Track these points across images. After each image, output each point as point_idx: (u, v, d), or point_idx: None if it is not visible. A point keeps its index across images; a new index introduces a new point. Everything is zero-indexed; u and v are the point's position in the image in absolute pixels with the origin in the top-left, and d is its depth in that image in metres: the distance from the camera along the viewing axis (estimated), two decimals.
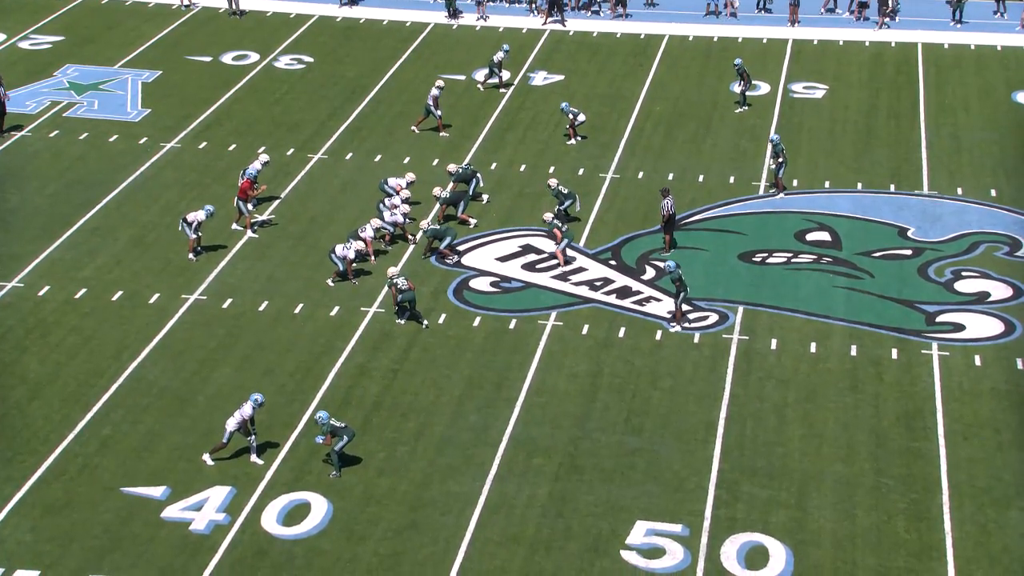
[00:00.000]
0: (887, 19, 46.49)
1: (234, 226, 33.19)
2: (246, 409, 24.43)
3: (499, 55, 41.92)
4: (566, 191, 33.48)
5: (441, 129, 38.53)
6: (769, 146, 35.57)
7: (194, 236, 31.70)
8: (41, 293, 30.81)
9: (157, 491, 24.25)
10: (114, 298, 30.58)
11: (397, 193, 33.29)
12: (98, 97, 41.69)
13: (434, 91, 38.09)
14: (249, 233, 32.76)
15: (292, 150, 37.76)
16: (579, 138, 38.24)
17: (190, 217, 31.64)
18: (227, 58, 44.95)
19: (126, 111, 40.69)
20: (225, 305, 30.27)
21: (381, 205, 32.93)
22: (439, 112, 38.32)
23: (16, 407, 26.76)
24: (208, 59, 44.83)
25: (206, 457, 24.76)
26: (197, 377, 27.69)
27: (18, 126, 39.16)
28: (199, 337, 29.08)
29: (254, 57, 45.01)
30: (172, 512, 23.71)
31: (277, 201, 34.76)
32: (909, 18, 47.09)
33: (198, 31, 47.46)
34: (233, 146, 38.33)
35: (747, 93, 40.18)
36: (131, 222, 33.99)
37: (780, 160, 34.49)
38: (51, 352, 28.58)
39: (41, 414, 26.50)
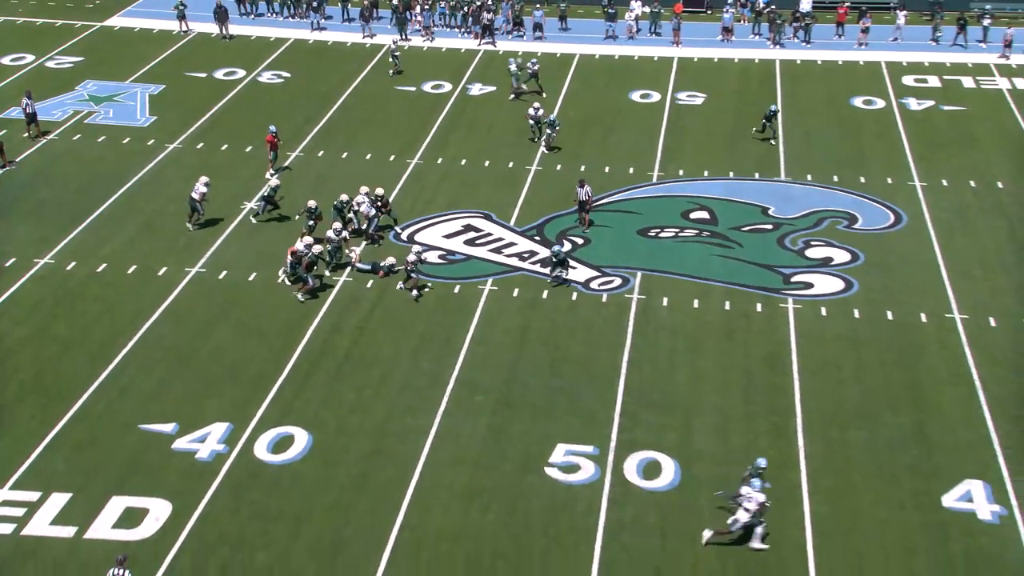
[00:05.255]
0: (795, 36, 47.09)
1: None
2: (757, 496, 20.41)
3: (512, 67, 41.47)
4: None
5: (543, 146, 37.15)
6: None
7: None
8: (68, 268, 30.34)
9: (168, 427, 24.10)
10: (129, 272, 30.16)
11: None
12: (113, 107, 40.98)
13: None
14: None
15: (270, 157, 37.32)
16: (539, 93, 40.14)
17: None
18: (219, 74, 44.26)
19: (136, 118, 40.01)
20: (221, 276, 29.94)
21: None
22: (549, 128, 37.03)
23: (49, 363, 26.41)
24: (203, 75, 44.13)
25: (706, 534, 20.93)
26: (200, 336, 27.40)
27: (45, 132, 38.45)
28: (201, 303, 28.76)
29: (241, 73, 44.37)
30: (180, 444, 23.60)
31: (262, 190, 34.34)
32: (761, 38, 47.54)
33: (195, 52, 46.69)
34: (225, 146, 37.83)
35: (767, 127, 37.74)
36: (141, 210, 33.49)
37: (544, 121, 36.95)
38: (78, 317, 28.18)
39: (70, 368, 26.17)
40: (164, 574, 20.37)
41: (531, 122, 37.40)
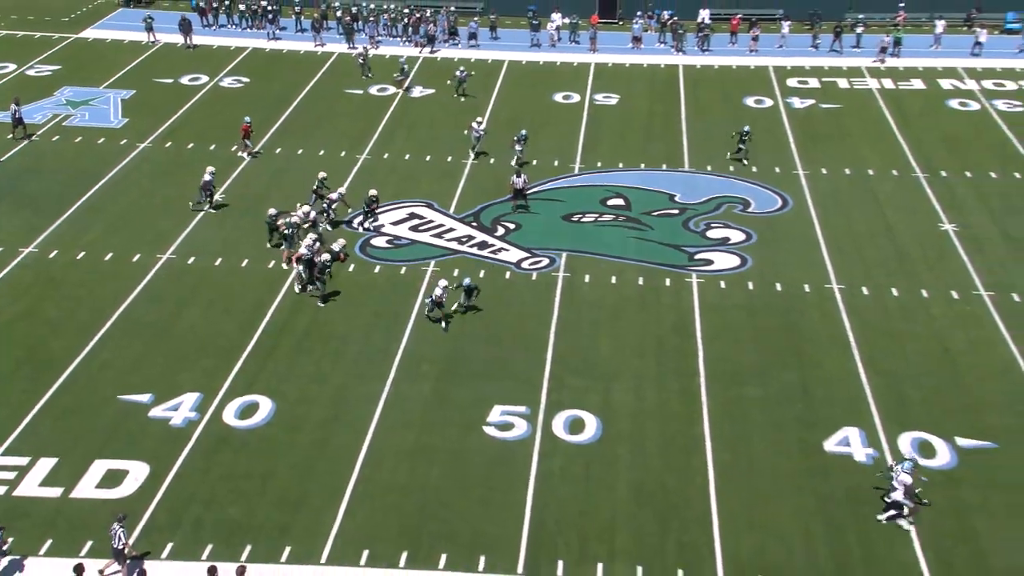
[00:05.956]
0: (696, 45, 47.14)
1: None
2: (904, 477, 20.11)
3: (404, 65, 41.83)
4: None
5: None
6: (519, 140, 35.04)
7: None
8: (51, 256, 29.57)
9: (144, 397, 23.66)
10: (106, 258, 29.48)
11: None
12: (89, 110, 39.85)
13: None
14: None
15: (235, 147, 36.62)
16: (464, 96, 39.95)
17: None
18: (185, 80, 43.27)
19: (110, 120, 38.97)
20: (190, 261, 29.38)
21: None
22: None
23: (39, 340, 25.82)
24: (170, 81, 43.10)
25: (881, 516, 20.35)
26: (172, 315, 26.90)
27: (30, 135, 37.32)
28: (172, 286, 28.21)
29: (205, 79, 43.42)
30: (156, 412, 23.21)
31: (226, 183, 33.74)
32: (663, 45, 47.71)
33: (162, 60, 45.55)
34: (191, 145, 37.02)
35: (742, 148, 35.58)
36: (116, 203, 32.71)
37: (519, 147, 34.91)
38: (62, 299, 27.52)
39: (57, 345, 25.58)
40: (144, 528, 20.07)
41: (474, 136, 35.81)
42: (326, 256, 27.43)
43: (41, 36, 48.37)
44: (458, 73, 41.57)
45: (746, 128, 35.86)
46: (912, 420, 23.10)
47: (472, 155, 35.75)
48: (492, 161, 35.91)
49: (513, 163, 35.07)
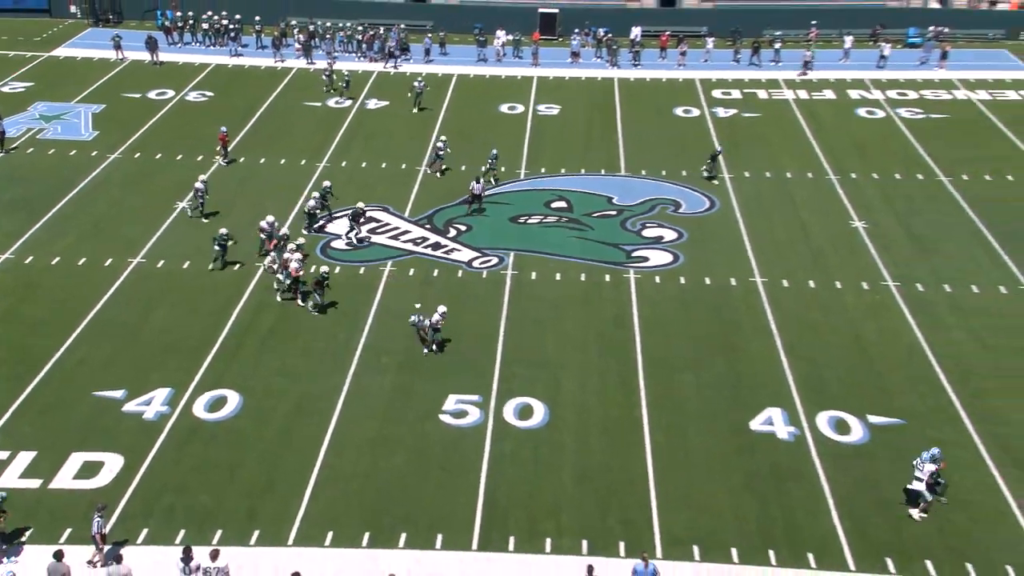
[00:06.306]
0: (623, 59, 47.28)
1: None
2: (928, 467, 19.84)
3: (349, 78, 41.65)
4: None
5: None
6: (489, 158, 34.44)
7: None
8: (27, 262, 28.82)
9: (118, 393, 23.18)
10: (80, 263, 28.81)
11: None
12: (61, 124, 38.91)
13: None
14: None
15: (201, 156, 36.03)
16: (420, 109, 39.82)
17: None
18: (152, 94, 42.42)
19: (81, 133, 38.08)
20: (159, 265, 28.83)
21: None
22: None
23: (19, 340, 25.19)
24: (138, 95, 42.24)
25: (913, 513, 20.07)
26: (142, 315, 26.38)
27: (8, 149, 36.28)
28: (142, 288, 27.65)
29: (171, 93, 42.61)
30: (129, 407, 22.76)
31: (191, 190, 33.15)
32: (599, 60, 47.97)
33: (130, 76, 44.62)
34: (159, 155, 36.32)
35: (713, 167, 34.88)
36: (88, 211, 31.98)
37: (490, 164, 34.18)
38: (39, 302, 26.86)
39: (36, 344, 24.97)
40: (119, 516, 19.66)
41: (438, 154, 34.97)
42: (324, 268, 26.77)
43: (15, 55, 47.15)
44: (416, 84, 41.34)
45: (719, 148, 35.70)
46: (829, 400, 23.50)
47: (427, 169, 35.25)
48: (444, 168, 35.71)
49: (483, 168, 34.69)
